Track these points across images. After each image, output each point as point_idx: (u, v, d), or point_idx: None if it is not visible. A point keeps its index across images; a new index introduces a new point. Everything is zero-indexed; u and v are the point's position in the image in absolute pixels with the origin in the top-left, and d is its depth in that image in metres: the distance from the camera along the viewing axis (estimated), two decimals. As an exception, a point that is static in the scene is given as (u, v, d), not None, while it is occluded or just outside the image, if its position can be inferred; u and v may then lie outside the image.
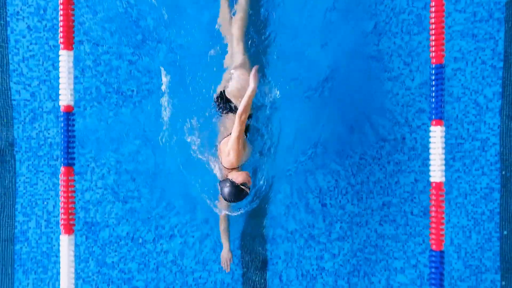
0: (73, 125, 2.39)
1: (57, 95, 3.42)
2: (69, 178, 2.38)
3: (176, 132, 3.47)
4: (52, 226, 3.58)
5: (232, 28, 3.36)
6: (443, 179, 2.32)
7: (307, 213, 3.63)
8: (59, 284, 3.52)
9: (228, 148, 3.02)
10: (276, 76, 3.39)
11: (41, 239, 3.56)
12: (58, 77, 2.39)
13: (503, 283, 3.50)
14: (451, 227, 3.55)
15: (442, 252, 2.31)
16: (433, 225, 2.30)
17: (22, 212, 3.56)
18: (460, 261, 3.54)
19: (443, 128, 2.35)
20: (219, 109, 3.21)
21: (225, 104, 3.17)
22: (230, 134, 3.03)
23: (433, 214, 2.30)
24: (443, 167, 2.32)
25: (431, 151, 2.35)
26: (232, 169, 3.11)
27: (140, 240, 3.57)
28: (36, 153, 3.54)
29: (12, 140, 3.54)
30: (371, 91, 3.58)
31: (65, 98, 2.37)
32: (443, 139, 2.34)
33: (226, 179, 3.08)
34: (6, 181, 3.55)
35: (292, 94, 3.48)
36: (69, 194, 2.38)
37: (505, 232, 3.51)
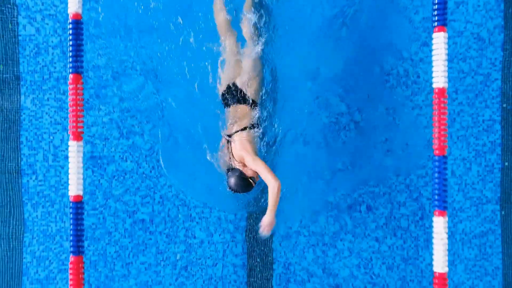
0: (82, 34, 2.41)
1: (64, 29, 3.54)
2: (78, 86, 2.41)
3: (178, 67, 3.53)
4: (60, 160, 3.65)
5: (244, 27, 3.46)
6: (445, 85, 2.34)
7: (307, 146, 3.68)
8: (67, 217, 3.61)
9: (254, 162, 3.12)
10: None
11: (49, 172, 3.63)
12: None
13: (503, 212, 3.57)
14: (453, 159, 3.60)
15: (445, 157, 2.36)
16: (436, 129, 2.33)
17: (28, 145, 3.63)
18: (460, 193, 3.60)
19: (446, 34, 2.35)
20: (229, 101, 3.30)
21: (237, 94, 3.28)
22: (244, 128, 3.23)
23: (435, 118, 2.33)
24: (446, 73, 2.34)
25: (434, 57, 2.35)
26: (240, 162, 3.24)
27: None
28: (41, 87, 3.59)
29: (17, 73, 3.57)
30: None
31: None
32: (446, 45, 2.34)
33: (236, 169, 3.19)
34: (11, 115, 3.61)
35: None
36: (78, 102, 2.41)
37: (506, 164, 3.57)
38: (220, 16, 3.45)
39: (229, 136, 3.31)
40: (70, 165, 2.41)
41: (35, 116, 3.60)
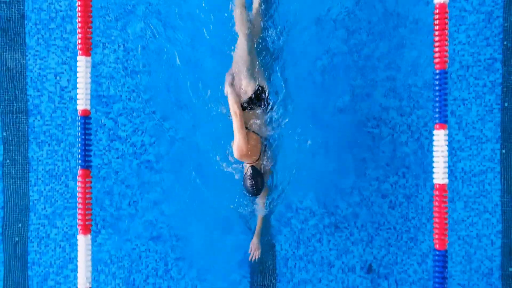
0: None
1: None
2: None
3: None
4: (65, 102, 3.69)
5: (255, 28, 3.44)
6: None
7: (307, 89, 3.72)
8: (71, 156, 3.67)
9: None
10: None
11: (55, 112, 3.67)
12: None
13: (503, 151, 3.62)
14: (453, 100, 3.65)
15: (445, 72, 2.40)
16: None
17: (33, 86, 3.66)
18: (461, 132, 3.65)
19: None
20: (257, 104, 3.29)
21: (263, 95, 3.31)
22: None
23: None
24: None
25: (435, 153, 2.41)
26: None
27: None
28: (47, 26, 3.62)
29: (22, 12, 3.60)
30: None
31: None
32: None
33: (248, 168, 3.23)
34: (17, 54, 3.64)
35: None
36: (86, 18, 2.45)
37: (506, 104, 3.61)
38: (239, 11, 3.41)
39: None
40: (78, 80, 2.45)
41: (39, 56, 3.65)
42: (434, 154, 2.39)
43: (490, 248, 3.65)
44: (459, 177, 3.66)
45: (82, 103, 2.46)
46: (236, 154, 3.20)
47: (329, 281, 3.70)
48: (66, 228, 3.68)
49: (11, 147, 3.64)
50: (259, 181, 3.21)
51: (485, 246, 3.66)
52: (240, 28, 3.36)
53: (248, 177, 3.19)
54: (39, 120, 3.65)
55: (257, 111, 3.30)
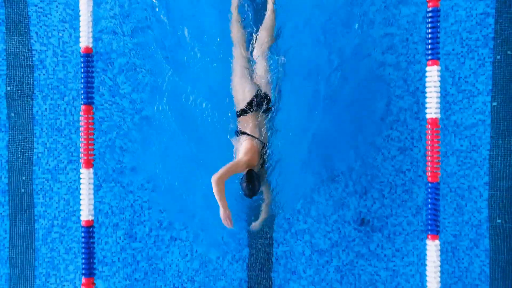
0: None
1: None
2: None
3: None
4: (67, 55, 3.77)
5: (260, 47, 3.55)
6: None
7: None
8: (75, 110, 3.77)
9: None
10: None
11: (58, 66, 3.76)
12: None
13: (494, 103, 3.71)
14: (446, 55, 3.73)
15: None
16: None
17: (39, 41, 3.75)
18: (454, 86, 3.73)
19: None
20: (258, 109, 3.40)
21: (263, 101, 3.41)
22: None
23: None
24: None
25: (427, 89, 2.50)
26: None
27: None
28: (49, -17, 3.70)
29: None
30: None
31: None
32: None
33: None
34: (20, 8, 3.72)
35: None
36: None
37: (498, 57, 3.69)
38: (236, 29, 3.57)
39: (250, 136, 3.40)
40: (81, 18, 2.54)
41: (43, 13, 3.74)
42: (427, 90, 2.49)
43: (479, 200, 3.76)
44: (451, 131, 3.76)
45: (85, 40, 2.55)
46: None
47: (327, 232, 3.81)
48: (70, 182, 3.81)
49: (15, 101, 3.76)
50: (256, 184, 3.28)
51: (475, 198, 3.77)
52: (235, 41, 3.54)
53: (244, 180, 3.26)
54: (44, 74, 3.76)
55: (257, 116, 3.40)
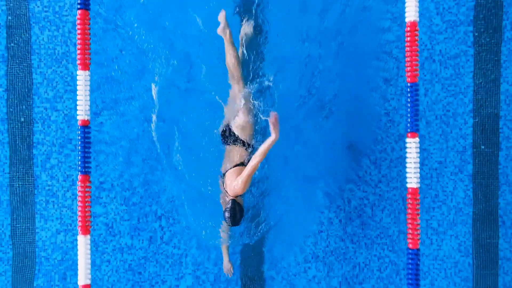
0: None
1: None
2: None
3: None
4: (63, -11, 3.90)
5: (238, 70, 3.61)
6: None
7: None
8: (70, 42, 3.88)
9: (238, 180, 3.31)
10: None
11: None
12: None
13: (476, 34, 3.84)
14: (430, -14, 3.86)
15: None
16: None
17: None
18: (438, 17, 3.86)
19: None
20: (225, 141, 3.54)
21: (231, 137, 3.51)
22: (236, 165, 3.44)
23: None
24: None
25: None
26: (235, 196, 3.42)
27: None
28: None
29: None
30: None
31: None
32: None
33: (229, 201, 3.39)
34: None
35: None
36: None
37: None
38: (231, 59, 3.60)
39: (223, 175, 3.51)
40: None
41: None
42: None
43: (464, 127, 3.90)
44: (437, 60, 3.89)
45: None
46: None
47: (315, 157, 3.95)
48: (66, 110, 3.93)
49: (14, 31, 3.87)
50: (237, 215, 3.38)
51: (460, 125, 3.91)
52: (231, 76, 3.61)
53: (228, 209, 3.36)
54: (38, 7, 3.87)
55: (239, 149, 3.51)
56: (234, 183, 3.33)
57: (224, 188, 3.50)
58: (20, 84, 3.89)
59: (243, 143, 3.52)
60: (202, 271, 3.97)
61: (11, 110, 3.89)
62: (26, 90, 3.89)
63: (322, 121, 3.92)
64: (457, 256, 3.88)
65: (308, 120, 3.92)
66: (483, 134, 3.87)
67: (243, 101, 3.57)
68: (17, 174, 3.89)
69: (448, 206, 3.90)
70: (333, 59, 3.88)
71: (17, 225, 3.90)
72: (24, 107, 3.90)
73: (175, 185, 3.92)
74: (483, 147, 3.88)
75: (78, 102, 2.71)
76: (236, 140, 3.53)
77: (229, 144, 3.55)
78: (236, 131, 3.53)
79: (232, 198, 3.40)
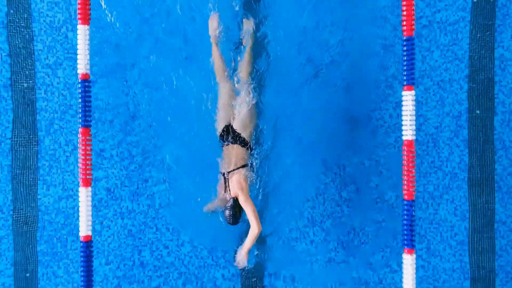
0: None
1: None
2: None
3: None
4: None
5: (240, 72, 3.79)
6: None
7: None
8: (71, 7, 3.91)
9: (241, 203, 3.52)
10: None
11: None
12: None
13: (475, 0, 3.88)
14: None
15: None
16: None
17: None
18: (437, -17, 3.90)
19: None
20: (225, 141, 3.61)
21: (232, 136, 3.59)
22: (239, 167, 3.57)
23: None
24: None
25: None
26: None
27: None
28: None
29: None
30: None
31: None
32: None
33: (230, 199, 3.52)
34: None
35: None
36: None
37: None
38: (218, 62, 3.75)
39: (228, 173, 3.59)
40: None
41: None
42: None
43: (459, 92, 3.94)
44: (436, 27, 3.91)
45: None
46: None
47: (312, 124, 3.99)
48: (67, 77, 3.98)
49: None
50: (237, 213, 3.49)
51: (456, 91, 3.94)
52: (219, 78, 3.74)
53: (228, 208, 3.45)
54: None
55: (226, 146, 3.61)
56: (241, 196, 3.51)
57: (227, 187, 3.59)
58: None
59: (244, 142, 3.60)
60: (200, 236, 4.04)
61: (14, 76, 3.96)
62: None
63: (320, 88, 3.96)
64: (453, 220, 3.93)
65: (306, 87, 3.96)
66: (478, 99, 3.90)
67: (242, 94, 3.68)
68: (20, 139, 3.97)
69: (443, 171, 3.95)
70: (329, 27, 3.93)
71: (19, 190, 3.98)
72: (27, 72, 3.96)
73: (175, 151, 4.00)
74: (478, 111, 3.92)
75: (78, 56, 2.76)
76: (236, 138, 3.60)
77: (227, 144, 3.61)
78: (238, 128, 3.62)
79: (233, 197, 3.52)
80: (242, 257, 3.70)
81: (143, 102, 3.95)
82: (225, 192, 3.65)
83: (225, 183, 3.64)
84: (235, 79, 3.79)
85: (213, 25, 3.79)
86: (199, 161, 3.89)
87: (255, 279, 4.00)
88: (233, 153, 3.62)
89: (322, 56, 3.92)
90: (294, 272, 3.99)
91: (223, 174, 3.65)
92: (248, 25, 3.88)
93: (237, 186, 3.52)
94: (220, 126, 3.69)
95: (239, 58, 3.88)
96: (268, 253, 4.00)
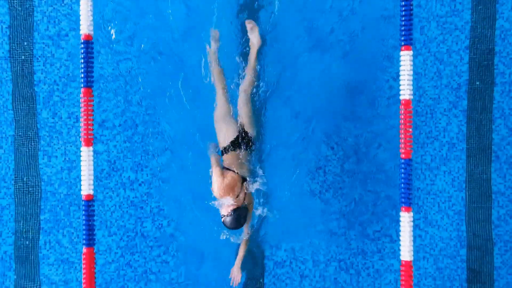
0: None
1: None
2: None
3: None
4: None
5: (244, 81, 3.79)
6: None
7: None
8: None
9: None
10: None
11: None
12: None
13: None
14: None
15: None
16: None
17: None
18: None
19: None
20: (237, 147, 3.59)
21: (246, 141, 3.60)
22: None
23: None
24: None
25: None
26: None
27: None
28: None
29: None
30: None
31: None
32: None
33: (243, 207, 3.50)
34: None
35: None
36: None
37: None
38: (215, 68, 3.75)
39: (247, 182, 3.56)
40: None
41: None
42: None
43: (459, 64, 3.96)
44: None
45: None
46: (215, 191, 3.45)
47: (312, 96, 4.02)
48: (71, 48, 4.01)
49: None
50: (241, 216, 3.43)
51: (455, 62, 3.97)
52: (216, 84, 3.74)
53: (229, 214, 3.40)
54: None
55: (239, 153, 3.58)
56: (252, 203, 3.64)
57: (244, 190, 3.53)
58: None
59: (249, 143, 3.63)
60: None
61: (13, 47, 3.99)
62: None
63: (319, 59, 3.99)
64: (451, 190, 3.98)
65: (305, 58, 3.99)
66: (479, 69, 3.93)
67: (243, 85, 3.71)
68: (21, 112, 4.00)
69: (441, 142, 3.99)
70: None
71: (21, 159, 4.03)
72: (26, 43, 3.99)
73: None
74: (478, 83, 3.95)
75: (81, 18, 2.79)
76: (248, 143, 3.62)
77: (241, 150, 3.59)
78: (249, 131, 3.64)
79: (245, 203, 3.52)
80: (236, 273, 3.79)
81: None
82: (239, 194, 3.55)
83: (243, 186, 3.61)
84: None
85: (214, 38, 3.82)
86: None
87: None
88: (241, 158, 3.61)
89: (323, 27, 3.94)
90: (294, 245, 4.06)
91: (243, 178, 3.59)
92: (252, 27, 3.87)
93: (251, 198, 3.63)
94: (227, 137, 3.64)
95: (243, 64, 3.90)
96: (268, 225, 4.06)
